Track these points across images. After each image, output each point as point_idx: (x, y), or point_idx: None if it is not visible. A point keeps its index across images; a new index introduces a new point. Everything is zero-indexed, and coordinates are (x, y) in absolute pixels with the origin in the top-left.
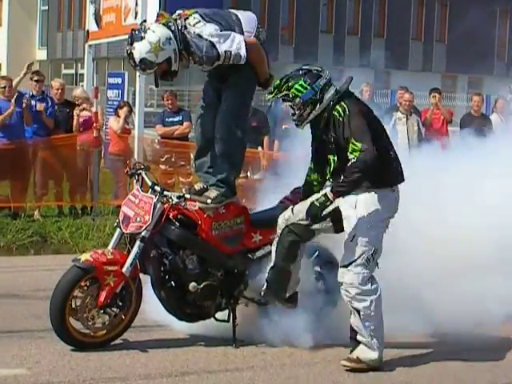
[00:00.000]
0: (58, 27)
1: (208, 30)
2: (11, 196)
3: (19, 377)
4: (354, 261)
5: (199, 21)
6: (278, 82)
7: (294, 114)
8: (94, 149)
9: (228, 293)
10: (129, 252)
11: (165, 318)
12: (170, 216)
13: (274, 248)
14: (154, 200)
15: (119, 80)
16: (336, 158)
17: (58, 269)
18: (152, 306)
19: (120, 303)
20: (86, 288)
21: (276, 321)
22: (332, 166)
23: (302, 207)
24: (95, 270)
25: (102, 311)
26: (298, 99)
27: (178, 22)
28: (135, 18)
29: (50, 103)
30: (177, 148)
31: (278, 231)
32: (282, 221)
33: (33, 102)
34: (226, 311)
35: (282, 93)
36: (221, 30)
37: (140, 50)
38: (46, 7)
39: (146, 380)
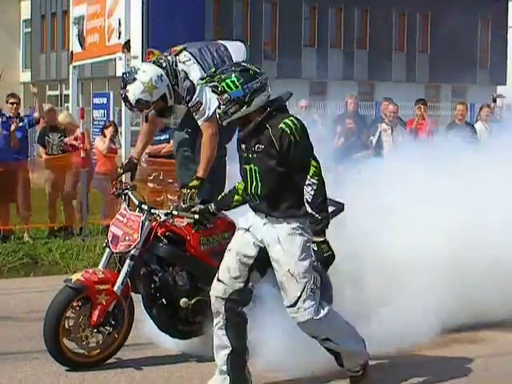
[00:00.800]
0: (41, 49)
1: (194, 73)
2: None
3: None
4: (299, 297)
5: (189, 59)
6: (213, 70)
7: (219, 107)
8: (82, 169)
9: None
10: (119, 271)
11: (157, 335)
12: (159, 233)
13: (221, 332)
14: (142, 218)
15: (104, 100)
16: (258, 169)
17: (49, 290)
18: (145, 324)
19: (113, 322)
20: (78, 308)
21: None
22: (249, 177)
23: (228, 264)
24: (87, 289)
25: (96, 330)
26: (225, 95)
27: (169, 57)
28: (119, 37)
29: (24, 124)
30: (164, 166)
31: (216, 311)
32: (216, 299)
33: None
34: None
35: (214, 83)
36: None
37: (134, 91)
38: (29, 29)
39: None
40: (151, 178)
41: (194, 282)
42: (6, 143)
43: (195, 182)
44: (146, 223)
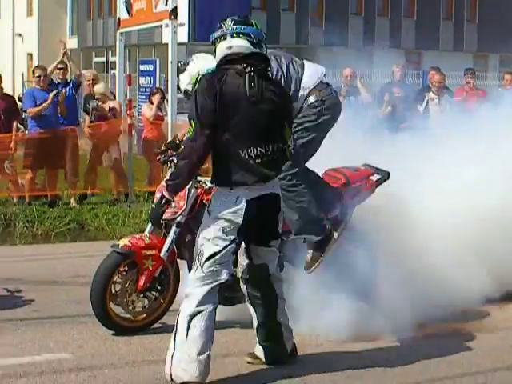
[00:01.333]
0: (88, 15)
1: None
2: (47, 184)
3: (63, 361)
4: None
5: None
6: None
7: None
8: (128, 136)
9: None
10: (165, 237)
11: None
12: (204, 200)
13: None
14: (188, 185)
15: (151, 67)
16: None
17: (95, 255)
18: None
19: (159, 287)
20: (125, 273)
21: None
22: None
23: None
24: (134, 254)
25: (142, 295)
26: None
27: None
28: (166, 4)
29: (71, 90)
30: None
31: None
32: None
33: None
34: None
35: None
36: None
37: (182, 81)
38: None
39: None
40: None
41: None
42: (54, 110)
43: None
44: (192, 190)
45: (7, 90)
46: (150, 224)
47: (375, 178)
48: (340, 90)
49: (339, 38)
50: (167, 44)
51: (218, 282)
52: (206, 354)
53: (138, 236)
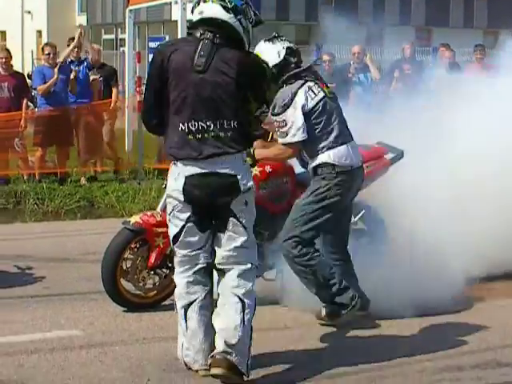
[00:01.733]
0: None
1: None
2: (57, 162)
3: (74, 338)
4: None
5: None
6: None
7: None
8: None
9: (275, 252)
10: None
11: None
12: None
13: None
14: None
15: None
16: None
17: (105, 232)
18: None
19: (169, 264)
20: (136, 250)
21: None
22: None
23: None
24: (145, 231)
25: (153, 272)
26: None
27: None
28: None
29: (85, 69)
30: None
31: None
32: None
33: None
34: (274, 271)
35: None
36: None
37: (257, 46)
38: None
39: None
40: None
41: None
42: (64, 87)
43: (250, 161)
44: None
45: (16, 67)
46: (162, 200)
47: (389, 156)
48: (349, 68)
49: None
50: (176, 21)
51: (197, 268)
52: (208, 343)
53: (149, 213)
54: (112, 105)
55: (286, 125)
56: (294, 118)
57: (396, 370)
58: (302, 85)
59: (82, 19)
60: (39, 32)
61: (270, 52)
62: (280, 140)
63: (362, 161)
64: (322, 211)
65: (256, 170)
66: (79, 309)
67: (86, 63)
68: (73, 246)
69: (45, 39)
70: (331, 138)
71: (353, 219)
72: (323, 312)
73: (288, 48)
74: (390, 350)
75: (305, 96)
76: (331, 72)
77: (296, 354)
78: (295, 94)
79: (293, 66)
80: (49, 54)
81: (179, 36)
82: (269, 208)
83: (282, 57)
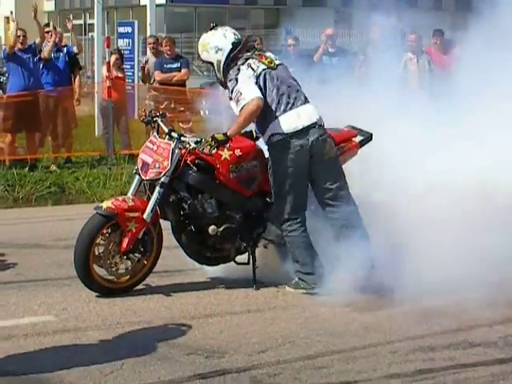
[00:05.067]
0: None
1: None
2: (27, 148)
3: (47, 323)
4: None
5: (255, 73)
6: None
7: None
8: (108, 98)
9: (247, 235)
10: (148, 199)
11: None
12: (188, 161)
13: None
14: (172, 146)
15: (129, 29)
16: None
17: (77, 218)
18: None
19: (142, 249)
20: (108, 235)
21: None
22: None
23: None
24: (117, 216)
25: (125, 257)
26: None
27: (247, 54)
28: None
29: (65, 57)
30: (175, 94)
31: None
32: None
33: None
34: (246, 254)
35: None
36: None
37: (202, 39)
38: None
39: (170, 323)
40: (162, 106)
41: (222, 210)
42: (35, 72)
43: (222, 137)
44: (176, 151)
45: None
46: (132, 185)
47: (358, 139)
48: (318, 49)
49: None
50: (145, 6)
51: None
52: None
53: (120, 198)
54: (77, 91)
55: (242, 93)
56: (246, 83)
57: (369, 350)
58: (243, 63)
59: (49, 5)
60: (7, 18)
61: (214, 37)
62: (242, 103)
63: (318, 119)
64: (289, 180)
65: (226, 154)
66: (52, 295)
67: (66, 51)
68: (44, 233)
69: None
70: (279, 106)
71: None
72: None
73: (227, 30)
74: (362, 332)
75: (248, 70)
76: (297, 55)
77: (268, 337)
78: (239, 70)
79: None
80: (19, 36)
81: (148, 21)
82: (240, 191)
83: (230, 39)
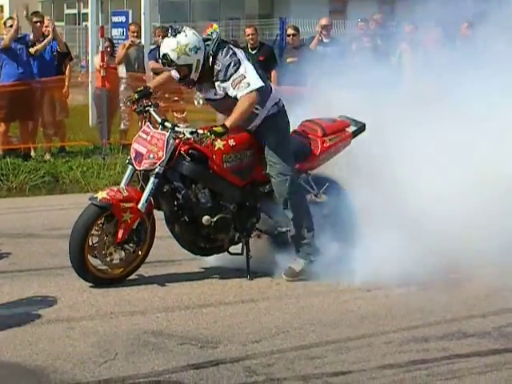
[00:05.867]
0: None
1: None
2: (20, 137)
3: (41, 313)
4: None
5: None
6: None
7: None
8: (103, 87)
9: (241, 226)
10: (142, 188)
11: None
12: (182, 151)
13: None
14: (167, 136)
15: (123, 18)
16: None
17: (70, 208)
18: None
19: (136, 239)
20: (102, 226)
21: (288, 252)
22: None
23: None
24: (112, 207)
25: (120, 247)
26: None
27: (219, 41)
28: None
29: (52, 49)
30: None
31: None
32: None
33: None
34: (240, 245)
35: None
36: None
37: (167, 45)
38: None
39: (164, 313)
40: (157, 96)
41: (216, 200)
42: (27, 62)
43: (221, 130)
44: (171, 141)
45: None
46: (126, 176)
47: (351, 129)
48: (312, 39)
49: None
50: None
51: None
52: None
53: (115, 188)
54: (66, 82)
55: (245, 77)
56: (249, 68)
57: (363, 341)
58: (230, 47)
59: None
60: (1, 7)
61: (190, 38)
62: (245, 90)
63: None
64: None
65: (219, 144)
66: (46, 284)
67: (54, 47)
68: (38, 222)
69: (7, 14)
70: (268, 84)
71: (317, 192)
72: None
73: (191, 29)
74: (356, 322)
75: (240, 53)
76: (296, 45)
77: (262, 327)
78: (234, 53)
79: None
80: (11, 25)
81: (142, 10)
82: (233, 181)
83: (199, 36)
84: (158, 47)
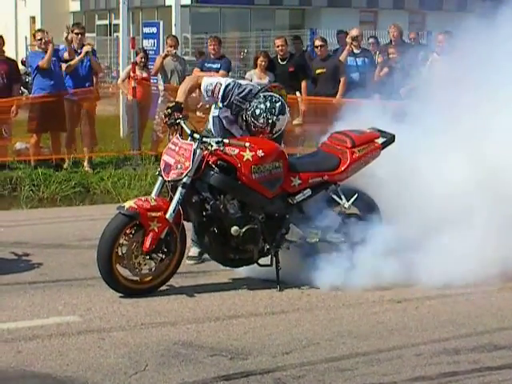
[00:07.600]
0: None
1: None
2: (52, 148)
3: (71, 324)
4: None
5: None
6: None
7: None
8: (134, 98)
9: (270, 237)
10: (171, 199)
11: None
12: (210, 162)
13: None
14: (194, 146)
15: (154, 29)
16: None
17: (101, 218)
18: None
19: (165, 249)
20: (131, 235)
21: (318, 263)
22: None
23: None
24: (139, 216)
25: (148, 257)
26: None
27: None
28: None
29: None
30: None
31: None
32: None
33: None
34: (269, 257)
35: None
36: None
37: (283, 122)
38: None
39: (194, 324)
40: (199, 106)
41: (245, 211)
42: (59, 73)
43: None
44: (198, 151)
45: (11, 54)
46: (156, 186)
47: (381, 140)
48: (342, 51)
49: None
50: (170, 6)
51: None
52: None
53: (143, 198)
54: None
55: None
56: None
57: (393, 353)
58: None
59: (75, 5)
60: (33, 18)
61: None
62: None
63: None
64: None
65: (248, 155)
66: (76, 295)
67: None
68: (69, 233)
69: (38, 25)
70: None
71: (346, 203)
72: None
73: None
74: (387, 334)
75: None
76: (323, 57)
77: (293, 338)
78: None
79: None
80: (40, 39)
81: (173, 21)
82: (262, 192)
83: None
84: (207, 57)
